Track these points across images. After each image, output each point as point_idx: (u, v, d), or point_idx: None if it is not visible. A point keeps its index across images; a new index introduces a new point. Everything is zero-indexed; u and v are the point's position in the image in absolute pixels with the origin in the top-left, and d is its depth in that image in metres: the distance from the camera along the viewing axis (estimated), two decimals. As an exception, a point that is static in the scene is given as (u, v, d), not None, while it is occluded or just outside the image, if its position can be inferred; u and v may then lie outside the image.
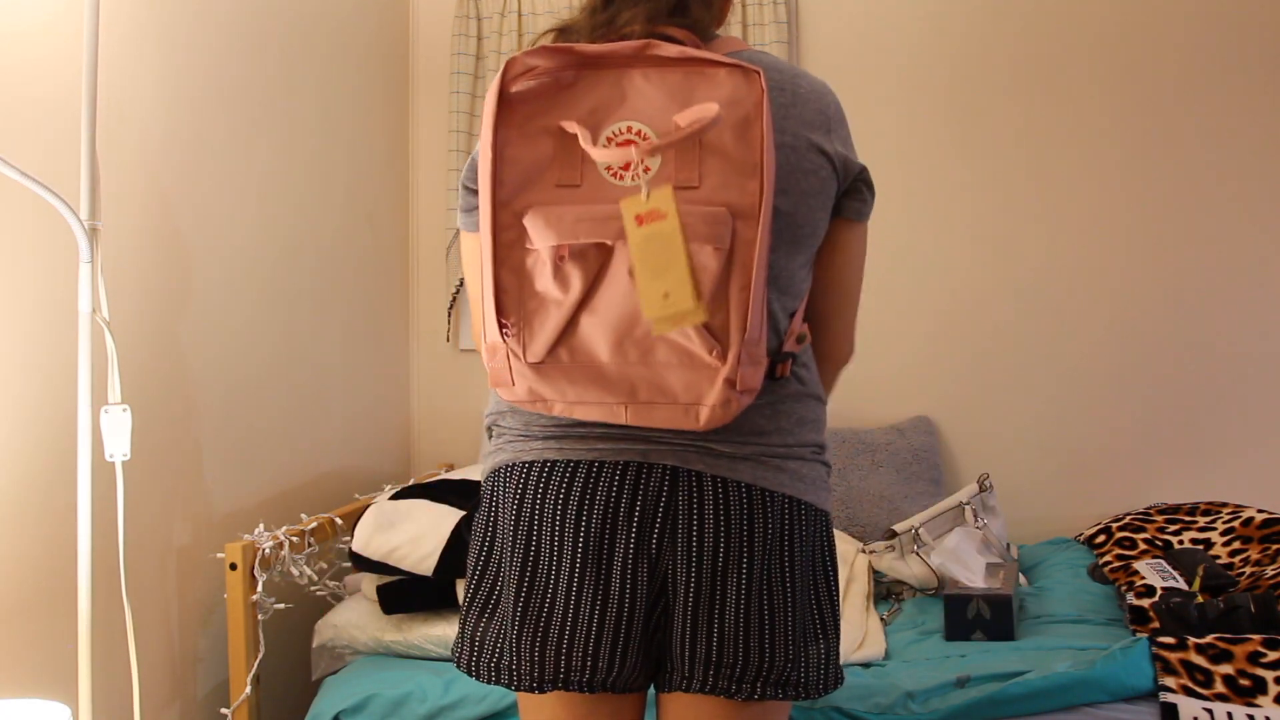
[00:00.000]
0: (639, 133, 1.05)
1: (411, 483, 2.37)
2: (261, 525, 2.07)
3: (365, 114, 2.88)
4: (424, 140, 3.16)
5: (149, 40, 1.98)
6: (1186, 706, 1.66)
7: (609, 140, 1.06)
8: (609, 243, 1.02)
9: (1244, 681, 1.67)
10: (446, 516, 2.06)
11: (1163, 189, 2.80)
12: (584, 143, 1.02)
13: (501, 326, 1.06)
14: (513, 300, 1.06)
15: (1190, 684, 1.68)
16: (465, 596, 1.24)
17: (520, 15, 3.04)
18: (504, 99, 1.05)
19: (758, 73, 1.04)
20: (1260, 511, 2.35)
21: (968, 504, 2.41)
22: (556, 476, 1.15)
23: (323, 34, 2.62)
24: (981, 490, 2.49)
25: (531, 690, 1.16)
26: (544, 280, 1.04)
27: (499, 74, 1.05)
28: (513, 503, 1.17)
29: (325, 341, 2.62)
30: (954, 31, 2.90)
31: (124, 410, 1.65)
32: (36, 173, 1.53)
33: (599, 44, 1.08)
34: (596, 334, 1.04)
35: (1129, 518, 2.53)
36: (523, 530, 1.16)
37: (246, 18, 2.28)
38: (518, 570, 1.17)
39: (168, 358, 2.01)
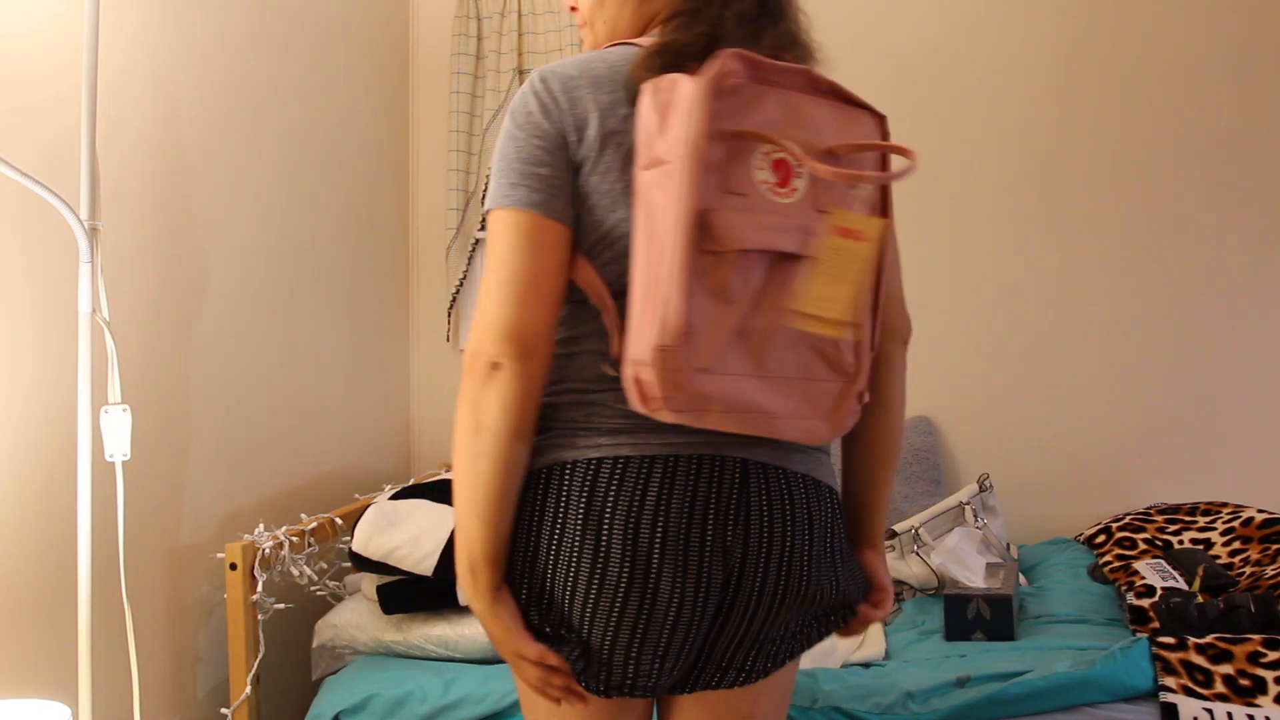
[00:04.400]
0: (798, 156, 1.07)
1: (411, 483, 2.37)
2: (261, 525, 2.07)
3: (365, 114, 2.88)
4: (424, 140, 3.16)
5: (149, 41, 1.98)
6: (1186, 706, 1.65)
7: (765, 156, 1.06)
8: (799, 253, 1.04)
9: (1244, 681, 1.67)
10: (446, 516, 2.06)
11: (1163, 190, 2.80)
12: (807, 162, 1.04)
13: (680, 335, 1.01)
14: (695, 308, 1.02)
15: (1190, 684, 1.68)
16: (524, 603, 1.14)
17: (520, 15, 3.04)
18: (716, 94, 1.03)
19: (883, 118, 1.14)
20: (1260, 511, 2.35)
21: (968, 504, 2.41)
22: (631, 473, 1.10)
23: (323, 35, 2.62)
24: (981, 490, 2.49)
25: (597, 694, 1.13)
26: (719, 287, 1.02)
27: (716, 70, 1.02)
28: (579, 502, 1.10)
29: (325, 341, 2.62)
30: (955, 33, 2.90)
31: (124, 410, 1.65)
32: (36, 173, 1.53)
33: (770, 60, 1.08)
34: (759, 345, 1.05)
35: (1129, 518, 2.53)
36: (591, 531, 1.09)
37: (246, 19, 2.28)
38: (587, 575, 1.09)
39: (168, 358, 2.01)
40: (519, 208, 1.09)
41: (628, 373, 1.05)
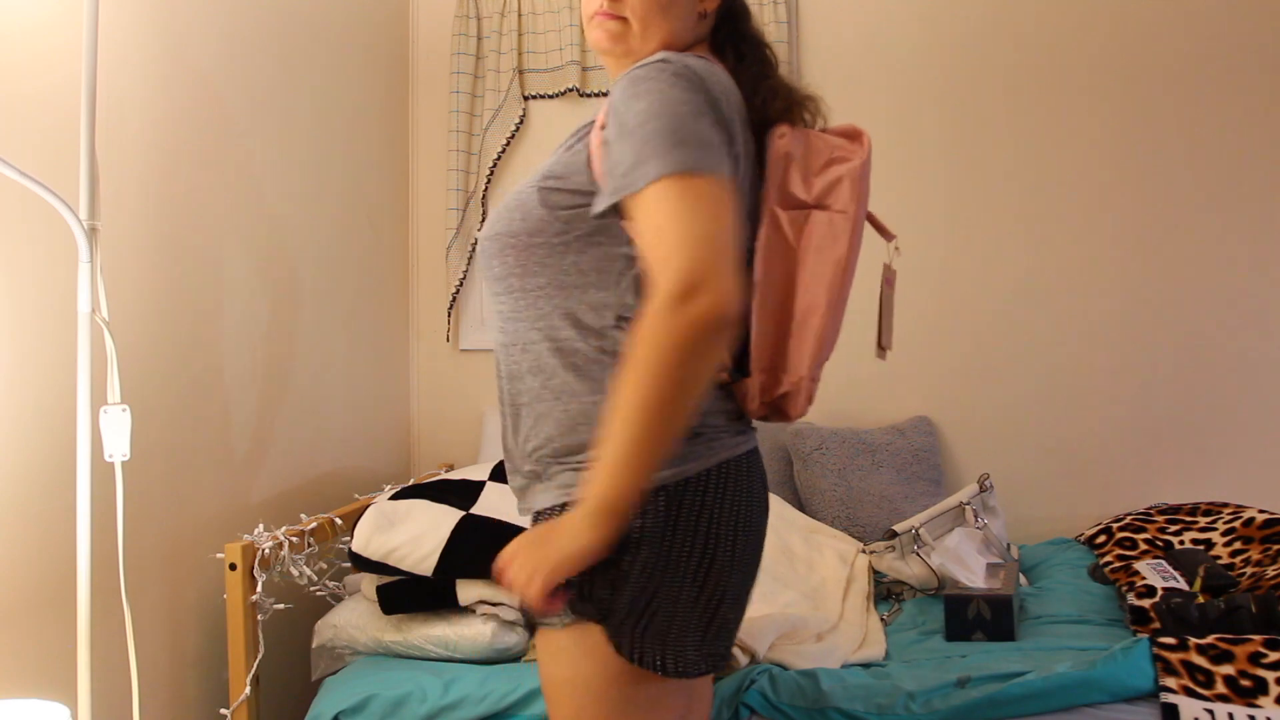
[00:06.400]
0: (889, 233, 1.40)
1: (411, 483, 2.36)
2: (261, 525, 2.06)
3: (365, 114, 2.88)
4: (424, 140, 3.16)
5: (149, 40, 1.98)
6: (1187, 707, 1.65)
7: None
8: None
9: (1245, 682, 1.67)
10: (446, 516, 2.05)
11: (1162, 189, 2.80)
12: (879, 225, 1.34)
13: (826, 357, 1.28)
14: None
15: (1191, 684, 1.68)
16: (686, 607, 1.17)
17: (520, 15, 3.04)
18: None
19: None
20: (1261, 512, 2.35)
21: (968, 504, 2.41)
22: (754, 464, 1.26)
23: (323, 34, 2.62)
24: (981, 490, 2.49)
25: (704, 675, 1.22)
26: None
27: (868, 147, 1.25)
28: (736, 493, 1.21)
29: (325, 342, 2.62)
30: (954, 32, 2.90)
31: (123, 410, 1.65)
32: (36, 173, 1.53)
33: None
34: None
35: (1130, 518, 2.53)
36: (745, 516, 1.22)
37: (247, 18, 2.28)
38: (745, 554, 1.22)
39: (168, 358, 2.01)
40: (731, 178, 1.12)
41: (765, 381, 1.23)
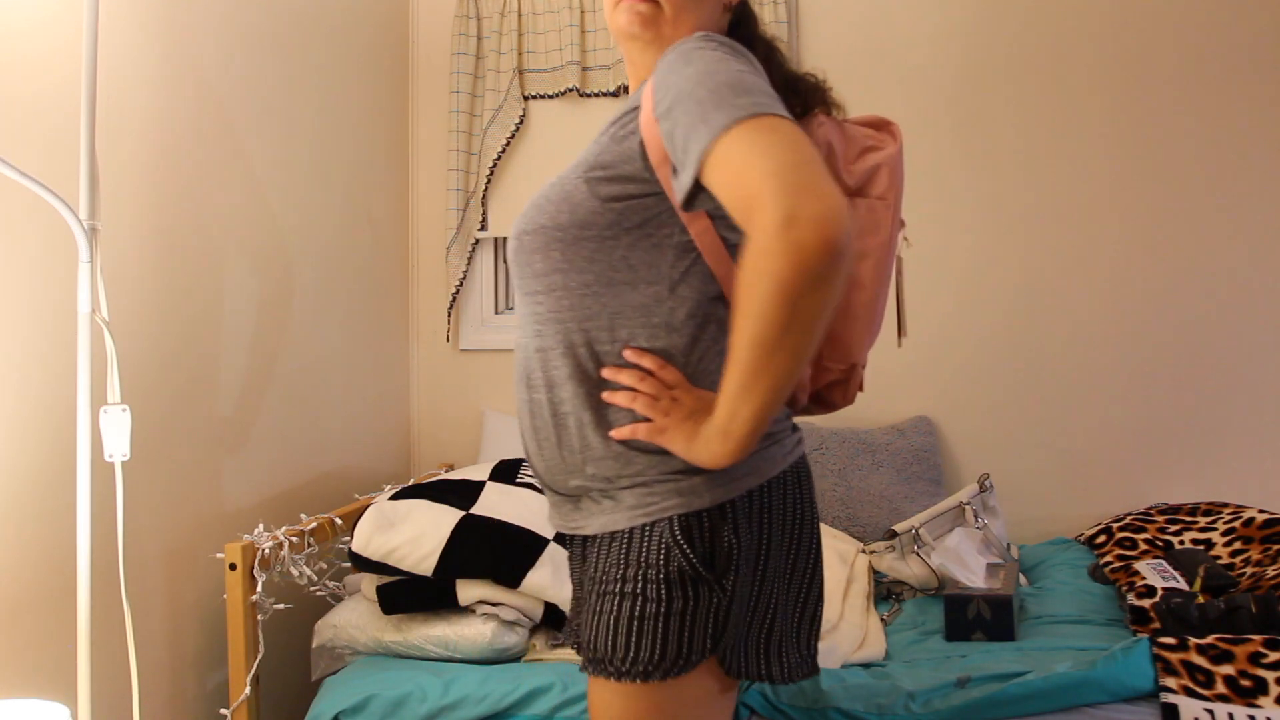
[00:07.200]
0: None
1: (411, 483, 2.36)
2: (261, 525, 2.06)
3: (365, 114, 2.88)
4: (424, 140, 3.16)
5: (149, 40, 1.98)
6: (1187, 707, 1.65)
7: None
8: None
9: (1245, 682, 1.67)
10: (446, 516, 2.06)
11: (1162, 189, 2.80)
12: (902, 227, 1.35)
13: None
14: None
15: (1191, 684, 1.68)
16: (789, 611, 1.22)
17: (520, 15, 3.04)
18: None
19: None
20: (1261, 512, 2.35)
21: (968, 504, 2.41)
22: (808, 475, 1.27)
23: (323, 34, 2.62)
24: (981, 490, 2.49)
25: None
26: None
27: (900, 136, 1.30)
28: (811, 490, 1.26)
29: (325, 342, 2.62)
30: (954, 32, 2.90)
31: (123, 410, 1.65)
32: (36, 172, 1.53)
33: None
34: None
35: (1130, 518, 2.53)
36: (815, 512, 1.27)
37: (247, 18, 2.28)
38: (800, 567, 1.23)
39: (168, 358, 2.01)
40: (790, 120, 1.03)
41: (811, 373, 1.27)
